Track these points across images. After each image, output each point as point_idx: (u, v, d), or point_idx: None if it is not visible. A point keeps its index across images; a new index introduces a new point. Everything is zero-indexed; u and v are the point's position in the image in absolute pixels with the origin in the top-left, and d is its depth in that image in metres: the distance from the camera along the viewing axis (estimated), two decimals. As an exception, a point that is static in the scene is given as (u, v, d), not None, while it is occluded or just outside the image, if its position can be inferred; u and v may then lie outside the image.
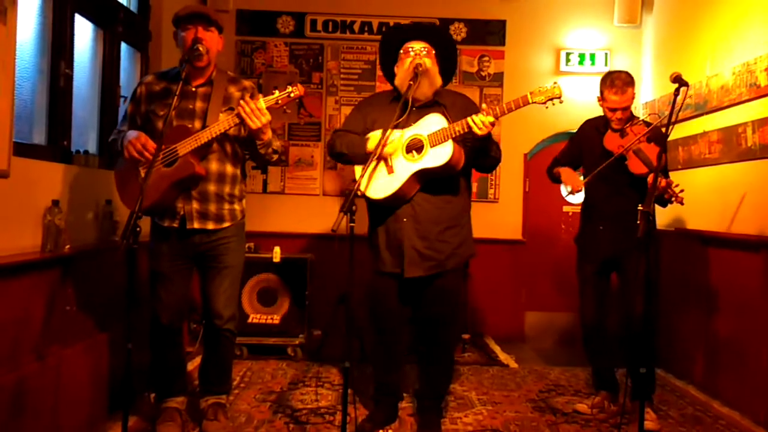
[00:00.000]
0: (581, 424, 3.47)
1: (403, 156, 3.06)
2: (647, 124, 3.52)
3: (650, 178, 3.21)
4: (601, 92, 3.53)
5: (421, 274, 3.12)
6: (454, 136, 2.97)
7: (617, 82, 3.45)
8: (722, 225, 4.03)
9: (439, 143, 2.99)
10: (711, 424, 3.53)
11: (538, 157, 5.89)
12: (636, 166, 3.37)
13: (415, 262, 3.11)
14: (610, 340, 3.65)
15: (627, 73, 3.52)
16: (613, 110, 3.49)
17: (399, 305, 3.25)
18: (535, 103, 2.94)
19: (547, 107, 2.97)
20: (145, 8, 4.43)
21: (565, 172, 3.72)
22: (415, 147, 3.05)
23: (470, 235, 3.31)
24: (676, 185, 3.28)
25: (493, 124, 2.92)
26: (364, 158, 3.09)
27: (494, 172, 5.56)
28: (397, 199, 3.08)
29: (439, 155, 2.99)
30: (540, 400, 3.87)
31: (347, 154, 3.21)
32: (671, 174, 4.44)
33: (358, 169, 3.18)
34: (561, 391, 4.08)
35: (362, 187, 2.94)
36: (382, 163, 3.05)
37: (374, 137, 3.07)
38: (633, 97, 3.49)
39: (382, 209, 3.16)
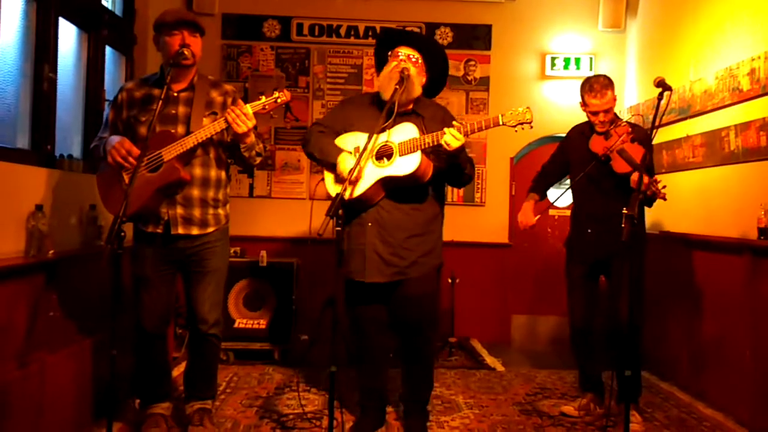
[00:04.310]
0: (567, 427, 3.48)
1: (372, 161, 3.06)
2: (631, 125, 3.54)
3: (634, 176, 3.26)
4: (582, 98, 3.57)
5: (382, 281, 3.11)
6: (423, 147, 2.98)
7: (596, 85, 3.49)
8: (706, 228, 4.06)
9: (408, 153, 3.00)
10: (696, 425, 3.56)
11: (524, 161, 5.92)
12: (620, 166, 3.40)
13: (377, 268, 3.10)
14: (598, 343, 3.67)
15: (605, 76, 3.56)
16: (595, 113, 3.52)
17: (371, 311, 3.24)
18: (505, 125, 2.98)
19: (516, 131, 3.02)
20: (130, 12, 4.41)
21: (524, 206, 3.81)
22: (385, 153, 3.06)
23: (439, 244, 3.29)
24: (659, 182, 3.30)
25: (461, 141, 2.94)
26: (330, 168, 3.12)
27: (481, 175, 5.61)
28: (362, 202, 3.08)
29: (406, 164, 3.00)
30: (527, 403, 3.88)
31: (318, 159, 3.22)
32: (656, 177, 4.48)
33: (327, 173, 3.18)
34: (547, 394, 4.09)
35: (346, 193, 2.92)
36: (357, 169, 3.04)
37: (342, 159, 3.07)
38: (614, 99, 3.52)
39: (349, 212, 3.12)
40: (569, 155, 3.74)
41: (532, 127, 2.99)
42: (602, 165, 3.44)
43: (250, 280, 4.72)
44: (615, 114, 3.58)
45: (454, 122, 2.97)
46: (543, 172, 3.89)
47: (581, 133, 3.67)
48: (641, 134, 3.48)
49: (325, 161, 3.16)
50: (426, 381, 3.34)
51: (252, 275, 4.72)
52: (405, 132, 3.04)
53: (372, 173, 3.05)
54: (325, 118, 3.40)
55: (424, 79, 3.20)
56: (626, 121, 3.58)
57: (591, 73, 5.50)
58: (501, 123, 2.97)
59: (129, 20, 4.42)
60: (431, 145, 2.98)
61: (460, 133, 2.91)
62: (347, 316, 3.31)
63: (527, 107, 2.99)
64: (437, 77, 3.31)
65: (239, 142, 2.94)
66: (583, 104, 3.57)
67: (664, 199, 3.34)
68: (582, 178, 3.56)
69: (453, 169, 3.13)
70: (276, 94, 2.91)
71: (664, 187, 3.30)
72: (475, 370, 4.63)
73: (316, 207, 3.18)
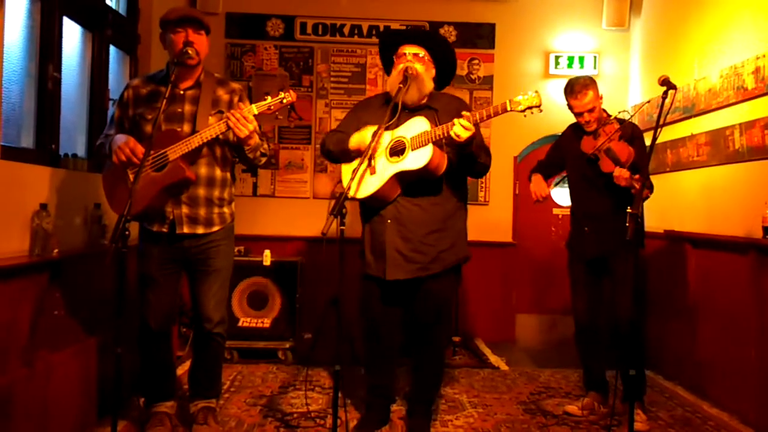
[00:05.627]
0: (571, 426, 3.48)
1: (386, 157, 3.07)
2: (620, 121, 3.51)
3: (616, 172, 3.27)
4: (566, 101, 3.56)
5: (403, 277, 3.11)
6: (434, 139, 2.97)
7: (575, 87, 3.50)
8: (710, 227, 4.05)
9: (420, 146, 3.00)
10: (700, 425, 3.55)
11: (528, 160, 5.91)
12: (607, 165, 3.40)
13: (397, 264, 3.11)
14: (602, 341, 3.67)
15: (585, 77, 3.56)
16: (579, 114, 3.53)
17: (387, 308, 3.24)
18: (513, 110, 2.90)
19: (525, 115, 2.93)
20: (133, 11, 4.42)
21: (534, 179, 3.77)
22: (397, 149, 3.07)
23: (461, 238, 3.28)
24: (637, 178, 3.25)
25: (471, 130, 2.90)
26: (346, 154, 3.13)
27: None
28: (378, 199, 3.09)
29: (418, 158, 3.00)
30: (530, 402, 3.87)
31: (333, 152, 3.25)
32: (660, 176, 4.48)
33: (345, 170, 3.18)
34: (551, 393, 4.09)
35: (351, 191, 2.93)
36: (366, 163, 3.06)
37: (356, 135, 3.10)
38: (596, 98, 3.49)
39: (369, 210, 3.17)
40: (564, 154, 3.75)
41: (541, 111, 2.90)
42: (593, 165, 3.45)
43: (254, 279, 4.72)
44: (604, 111, 3.57)
45: (463, 112, 2.93)
46: (538, 166, 3.90)
47: (574, 131, 3.69)
48: (629, 131, 3.47)
49: (341, 148, 3.17)
50: (435, 381, 3.34)
51: (256, 274, 4.71)
52: (417, 126, 3.04)
53: (386, 169, 3.06)
54: (340, 124, 3.42)
55: (433, 72, 3.21)
56: (615, 118, 3.55)
57: (595, 72, 5.51)
58: (509, 109, 2.91)
59: (133, 19, 4.43)
60: (442, 137, 2.96)
61: (470, 122, 2.88)
62: (361, 313, 3.31)
63: (536, 91, 2.92)
64: (445, 68, 3.30)
65: (243, 145, 2.95)
66: (568, 106, 3.57)
67: (640, 191, 3.31)
68: (577, 178, 3.58)
69: (466, 159, 3.11)
70: (281, 95, 2.90)
71: (646, 183, 3.26)
72: (479, 369, 4.63)
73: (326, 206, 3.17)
